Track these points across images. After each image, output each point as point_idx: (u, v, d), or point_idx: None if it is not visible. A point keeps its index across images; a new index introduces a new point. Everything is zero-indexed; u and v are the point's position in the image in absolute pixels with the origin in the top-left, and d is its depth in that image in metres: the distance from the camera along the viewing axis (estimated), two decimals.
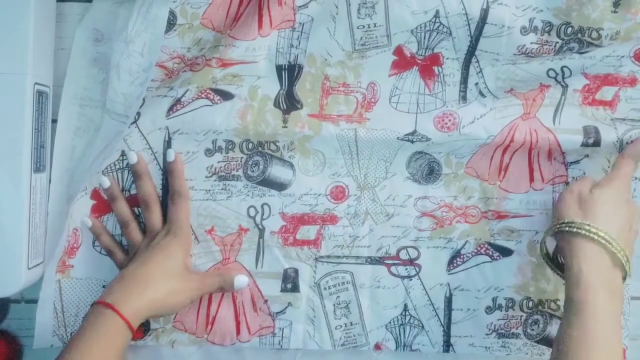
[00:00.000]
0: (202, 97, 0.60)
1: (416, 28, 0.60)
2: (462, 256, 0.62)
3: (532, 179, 0.62)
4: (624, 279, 0.54)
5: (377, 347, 0.63)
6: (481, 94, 0.61)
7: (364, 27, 0.60)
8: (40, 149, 0.57)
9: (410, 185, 0.62)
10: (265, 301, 0.62)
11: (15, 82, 0.55)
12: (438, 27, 0.60)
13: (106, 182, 0.60)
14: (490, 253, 0.62)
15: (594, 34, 0.59)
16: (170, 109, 0.60)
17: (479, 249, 0.62)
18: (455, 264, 0.63)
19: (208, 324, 0.62)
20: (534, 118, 0.61)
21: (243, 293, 0.62)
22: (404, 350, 0.63)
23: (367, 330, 0.63)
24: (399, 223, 0.62)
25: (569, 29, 0.60)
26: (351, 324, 0.63)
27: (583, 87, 0.61)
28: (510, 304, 0.62)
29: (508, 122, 0.61)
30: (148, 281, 0.55)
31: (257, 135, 0.61)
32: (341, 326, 0.62)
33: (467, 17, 0.59)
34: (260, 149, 0.61)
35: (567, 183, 0.62)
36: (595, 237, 0.53)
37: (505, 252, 0.62)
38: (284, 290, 0.62)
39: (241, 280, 0.61)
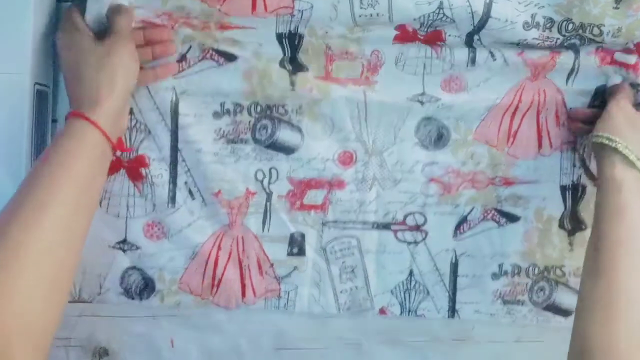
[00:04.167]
0: (208, 58, 0.60)
1: (419, 17, 0.59)
2: (468, 222, 0.62)
3: (540, 145, 0.62)
4: None
5: (382, 311, 0.63)
6: (491, 54, 0.61)
7: (366, 16, 0.59)
8: (40, 149, 0.57)
9: (418, 151, 0.62)
10: (272, 265, 0.62)
11: (15, 82, 0.55)
12: (441, 17, 0.59)
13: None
14: (497, 219, 0.62)
15: (595, 30, 0.59)
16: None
17: (485, 215, 0.62)
18: (461, 230, 0.63)
19: (214, 286, 0.62)
20: (545, 79, 0.61)
21: (249, 257, 0.62)
22: (408, 315, 0.63)
23: (372, 294, 0.63)
24: (406, 189, 0.62)
25: (570, 25, 0.59)
26: (356, 288, 0.63)
27: (597, 50, 0.61)
28: (516, 271, 0.63)
29: (515, 83, 0.61)
30: (113, 86, 0.53)
31: (266, 99, 0.61)
32: (346, 290, 0.62)
33: (471, 9, 0.58)
34: (268, 112, 0.61)
35: (574, 149, 0.62)
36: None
37: (512, 218, 0.62)
38: (290, 254, 0.62)
39: None
